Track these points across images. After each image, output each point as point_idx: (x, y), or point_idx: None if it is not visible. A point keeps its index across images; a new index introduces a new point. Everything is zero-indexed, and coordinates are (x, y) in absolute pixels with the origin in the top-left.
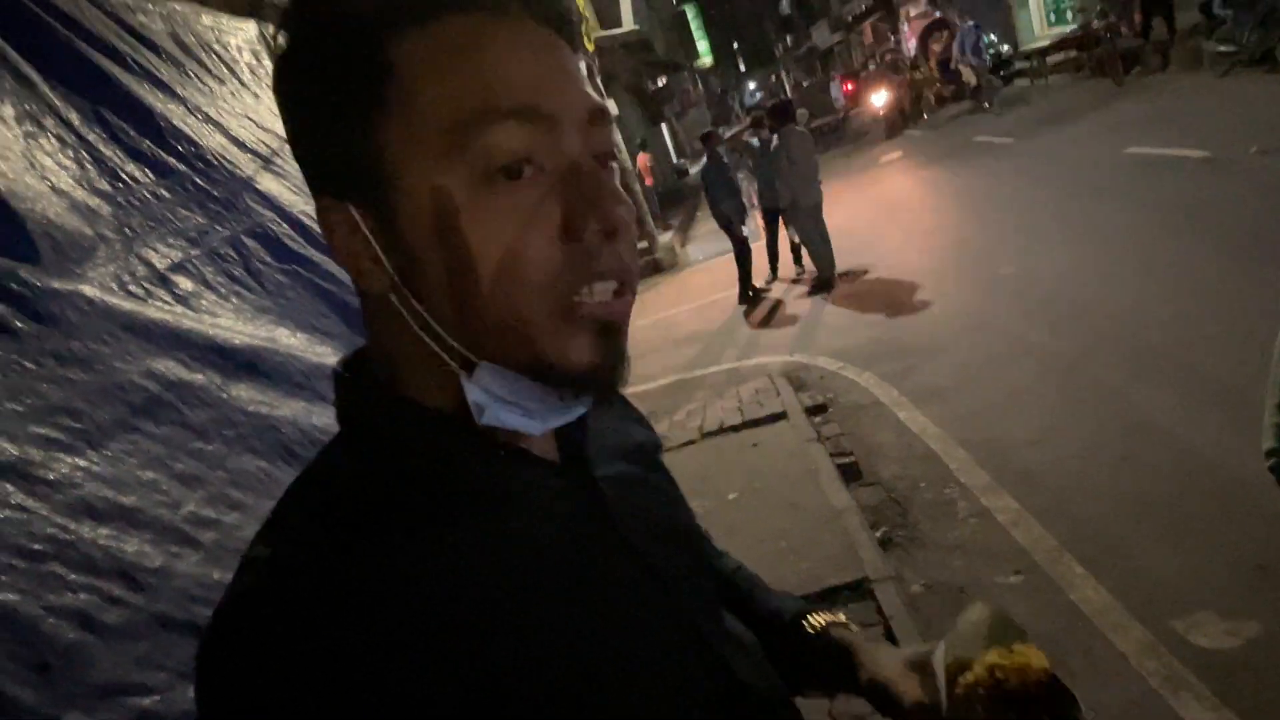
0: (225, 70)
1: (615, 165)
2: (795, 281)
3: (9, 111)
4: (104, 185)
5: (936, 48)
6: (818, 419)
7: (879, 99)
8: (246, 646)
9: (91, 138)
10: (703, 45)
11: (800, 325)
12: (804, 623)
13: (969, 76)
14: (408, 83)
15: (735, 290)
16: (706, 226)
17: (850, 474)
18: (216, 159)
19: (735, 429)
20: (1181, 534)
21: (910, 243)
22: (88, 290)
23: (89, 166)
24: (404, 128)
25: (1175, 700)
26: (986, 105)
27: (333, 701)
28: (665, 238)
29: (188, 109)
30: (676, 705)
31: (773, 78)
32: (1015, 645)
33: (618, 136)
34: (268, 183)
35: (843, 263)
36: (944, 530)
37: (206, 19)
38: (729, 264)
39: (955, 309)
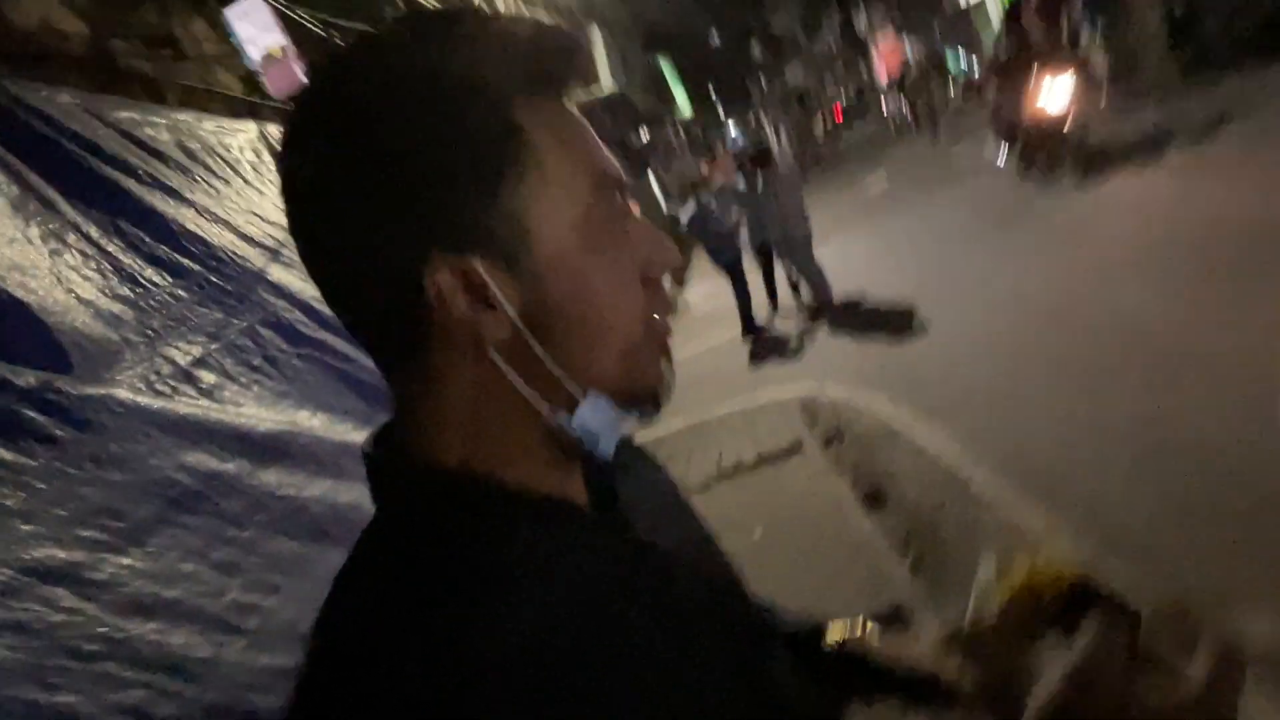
0: (229, 170)
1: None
2: (796, 314)
3: (35, 232)
4: (125, 291)
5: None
6: (833, 448)
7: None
8: None
9: (111, 248)
10: (680, 96)
11: (806, 356)
12: (822, 641)
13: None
14: (535, 144)
15: (738, 329)
16: (702, 268)
17: (873, 501)
18: (228, 256)
19: (753, 467)
20: (1220, 530)
21: (907, 266)
22: (119, 393)
23: (110, 275)
24: (539, 186)
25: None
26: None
27: None
28: (665, 284)
29: (197, 211)
30: None
31: (752, 120)
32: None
33: None
34: (278, 273)
35: (840, 291)
36: (974, 549)
37: (209, 124)
38: (729, 303)
39: (956, 326)
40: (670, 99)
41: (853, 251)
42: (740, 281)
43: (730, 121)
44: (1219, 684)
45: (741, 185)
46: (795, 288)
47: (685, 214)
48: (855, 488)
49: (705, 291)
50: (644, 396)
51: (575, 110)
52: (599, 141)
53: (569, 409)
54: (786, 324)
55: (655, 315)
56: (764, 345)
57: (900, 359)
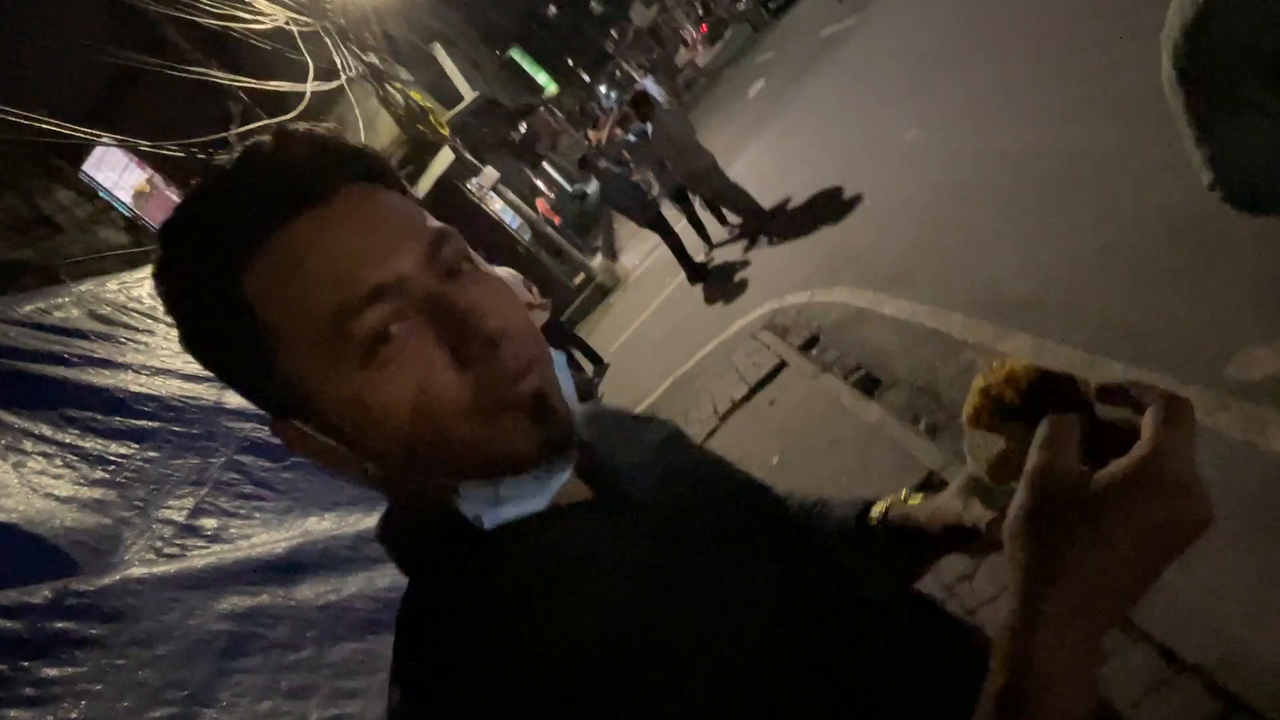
0: (149, 321)
1: (472, 267)
2: (731, 240)
3: None
4: (99, 474)
5: None
6: (815, 352)
7: None
8: None
9: (69, 439)
10: (542, 78)
11: (755, 275)
12: (868, 520)
13: None
14: (267, 315)
15: (683, 277)
16: (628, 234)
17: (869, 386)
18: (180, 402)
19: (747, 398)
20: (1191, 288)
21: (816, 154)
22: (134, 572)
23: (79, 465)
24: (288, 348)
25: (1263, 439)
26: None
27: None
28: (597, 261)
29: (135, 371)
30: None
31: (616, 72)
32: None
33: (511, 196)
34: (233, 398)
35: (765, 201)
36: None
37: (111, 284)
38: (666, 255)
39: (884, 191)
40: (535, 85)
41: (761, 161)
42: (668, 232)
43: (598, 83)
44: (1171, 439)
45: (632, 138)
46: (720, 216)
47: (590, 188)
48: (848, 381)
49: (639, 253)
50: (525, 464)
51: (348, 210)
52: (376, 238)
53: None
54: (726, 252)
55: (501, 391)
56: (713, 281)
57: (845, 243)
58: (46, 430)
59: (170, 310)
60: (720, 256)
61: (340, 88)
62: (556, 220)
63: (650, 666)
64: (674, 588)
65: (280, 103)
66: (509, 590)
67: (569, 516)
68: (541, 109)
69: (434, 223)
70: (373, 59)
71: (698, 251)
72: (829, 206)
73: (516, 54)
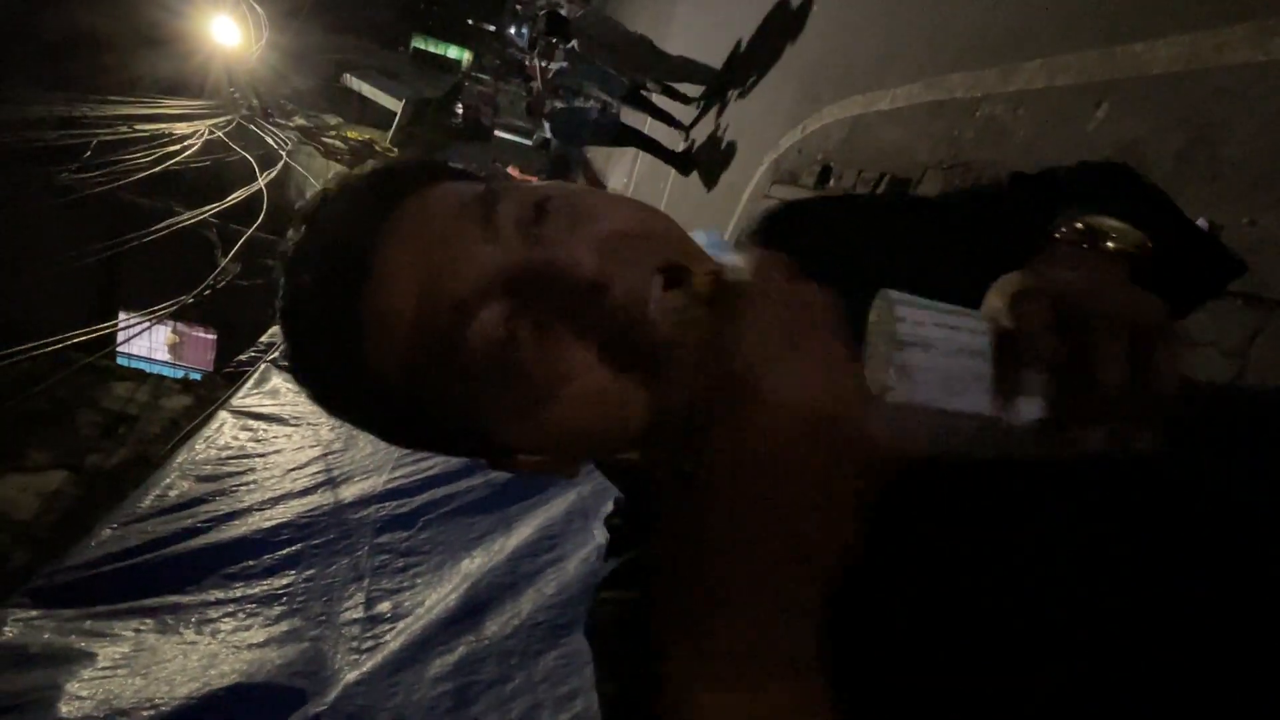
0: (244, 461)
1: (538, 211)
2: (702, 114)
3: (189, 634)
4: (278, 609)
5: None
6: (833, 180)
7: None
8: None
9: (239, 594)
10: (452, 51)
11: (742, 136)
12: None
13: None
14: (396, 378)
15: (672, 174)
16: (604, 158)
17: (901, 189)
18: (307, 518)
19: None
20: None
21: None
22: (350, 677)
23: (258, 611)
24: (435, 400)
25: None
26: None
27: None
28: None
29: (257, 511)
30: None
31: (517, 6)
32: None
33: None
34: (346, 491)
35: (716, 59)
36: (1010, 139)
37: (199, 445)
38: (650, 161)
39: None
40: (449, 62)
41: (695, 19)
42: (639, 138)
43: (505, 28)
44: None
45: (564, 64)
46: (679, 96)
47: (548, 131)
48: (878, 192)
49: (622, 171)
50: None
51: (419, 222)
52: (451, 243)
53: None
54: (703, 129)
55: (619, 348)
56: (704, 163)
57: (812, 61)
58: (218, 594)
59: (321, 390)
60: (699, 135)
61: (287, 165)
62: (535, 180)
63: None
64: None
65: (246, 209)
66: None
67: None
68: (466, 82)
69: (477, 189)
70: (300, 121)
71: (676, 142)
72: (780, 32)
73: (419, 42)
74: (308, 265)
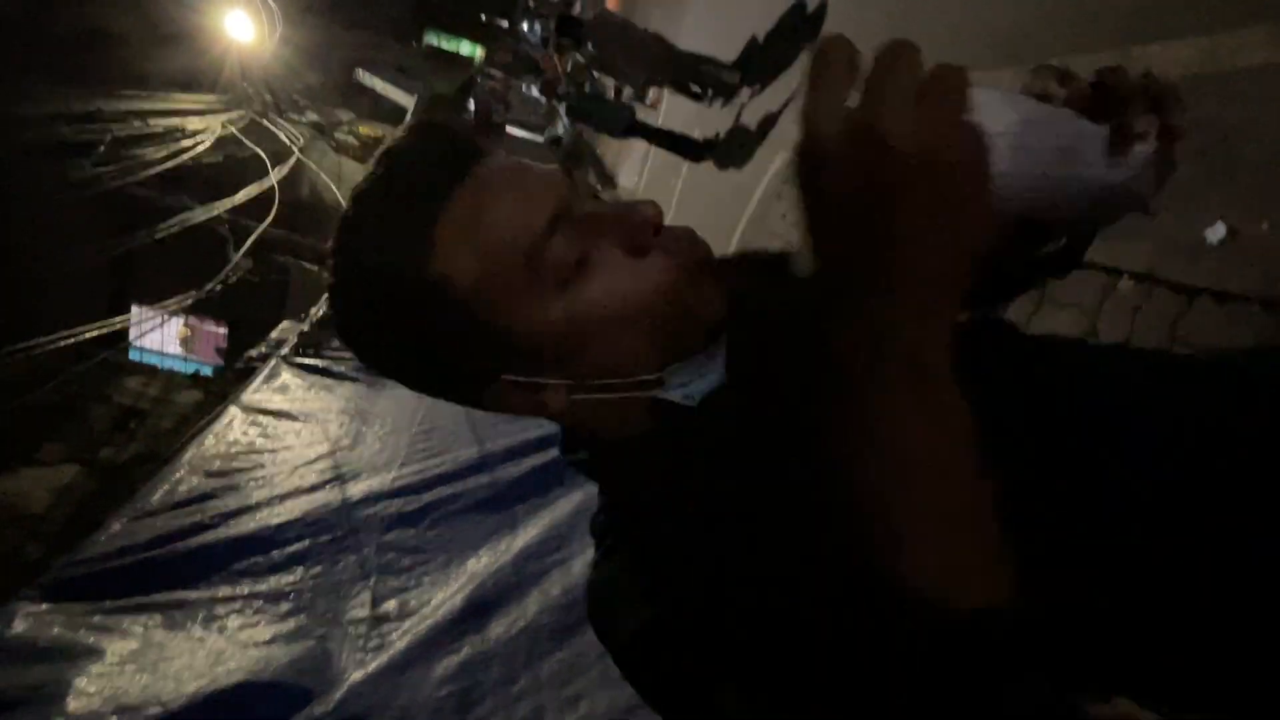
0: (254, 456)
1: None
2: (717, 109)
3: (197, 631)
4: (285, 606)
5: None
6: None
7: None
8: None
9: (246, 590)
10: (464, 48)
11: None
12: None
13: None
14: (459, 275)
15: (684, 171)
16: (614, 152)
17: None
18: (313, 517)
19: None
20: None
21: None
22: (356, 676)
23: (265, 608)
24: (486, 300)
25: None
26: None
27: None
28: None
29: (266, 507)
30: None
31: (530, 3)
32: None
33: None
34: (354, 488)
35: (728, 53)
36: None
37: (209, 440)
38: (663, 161)
39: None
40: (462, 58)
41: (707, 13)
42: (651, 131)
43: (517, 23)
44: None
45: (580, 59)
46: (689, 94)
47: (559, 129)
48: None
49: (634, 166)
50: (712, 325)
51: (493, 173)
52: (525, 186)
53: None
54: (719, 121)
55: (673, 262)
56: (720, 151)
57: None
58: (226, 590)
59: (355, 307)
60: (716, 126)
61: (300, 161)
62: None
63: None
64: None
65: (258, 205)
66: (729, 441)
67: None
68: (479, 79)
69: (547, 166)
70: (312, 117)
71: (691, 128)
72: (796, 32)
73: (432, 37)
74: (412, 154)
